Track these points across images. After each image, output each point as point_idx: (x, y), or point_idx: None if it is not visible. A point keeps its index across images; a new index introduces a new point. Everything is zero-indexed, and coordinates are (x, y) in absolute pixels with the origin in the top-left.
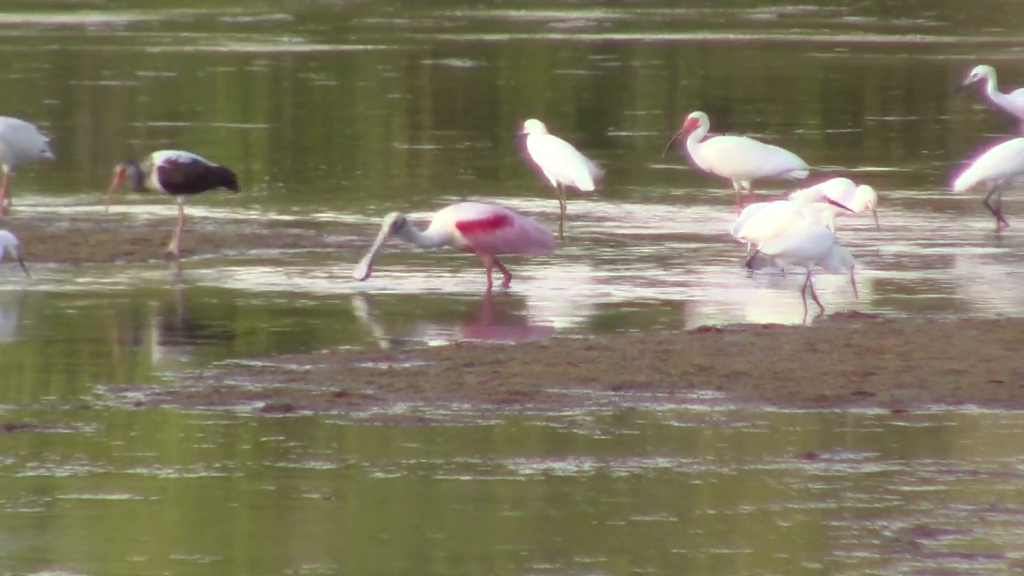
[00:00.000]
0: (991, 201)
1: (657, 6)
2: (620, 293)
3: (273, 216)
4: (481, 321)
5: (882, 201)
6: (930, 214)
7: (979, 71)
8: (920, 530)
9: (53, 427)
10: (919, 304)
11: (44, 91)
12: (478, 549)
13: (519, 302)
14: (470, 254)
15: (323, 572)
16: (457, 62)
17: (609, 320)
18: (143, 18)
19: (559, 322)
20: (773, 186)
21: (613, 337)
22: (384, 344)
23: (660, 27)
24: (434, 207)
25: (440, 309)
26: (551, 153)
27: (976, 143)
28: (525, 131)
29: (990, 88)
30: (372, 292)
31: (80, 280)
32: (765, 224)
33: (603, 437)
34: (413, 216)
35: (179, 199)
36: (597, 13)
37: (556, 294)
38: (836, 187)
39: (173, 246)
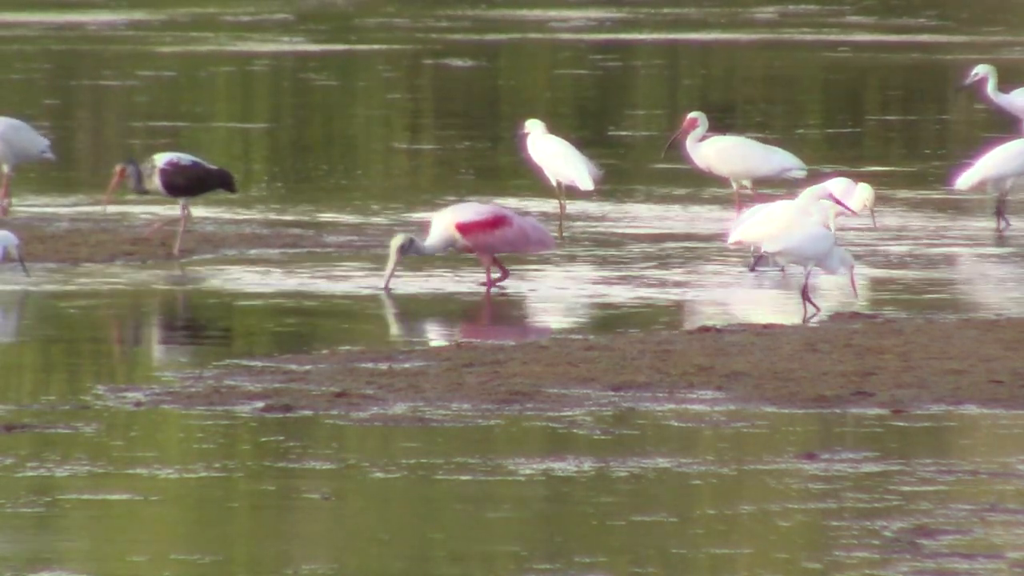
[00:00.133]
0: (998, 201)
1: (658, 6)
2: (620, 293)
3: (273, 216)
4: (481, 321)
5: (884, 201)
6: (931, 214)
7: (980, 70)
8: (920, 530)
9: (53, 427)
10: (919, 304)
11: (44, 91)
12: (478, 549)
13: (519, 302)
14: (469, 255)
15: (323, 572)
16: (458, 62)
17: (609, 320)
18: (144, 18)
19: (559, 322)
20: (772, 186)
21: (613, 337)
22: (384, 344)
23: (661, 27)
24: (434, 207)
25: (440, 309)
26: (551, 153)
27: (977, 143)
28: (526, 131)
29: (990, 88)
30: (372, 292)
31: (80, 280)
32: (767, 224)
33: (603, 437)
34: (414, 216)
35: (181, 200)
36: (598, 13)
37: (556, 294)
38: (836, 186)
39: (175, 247)
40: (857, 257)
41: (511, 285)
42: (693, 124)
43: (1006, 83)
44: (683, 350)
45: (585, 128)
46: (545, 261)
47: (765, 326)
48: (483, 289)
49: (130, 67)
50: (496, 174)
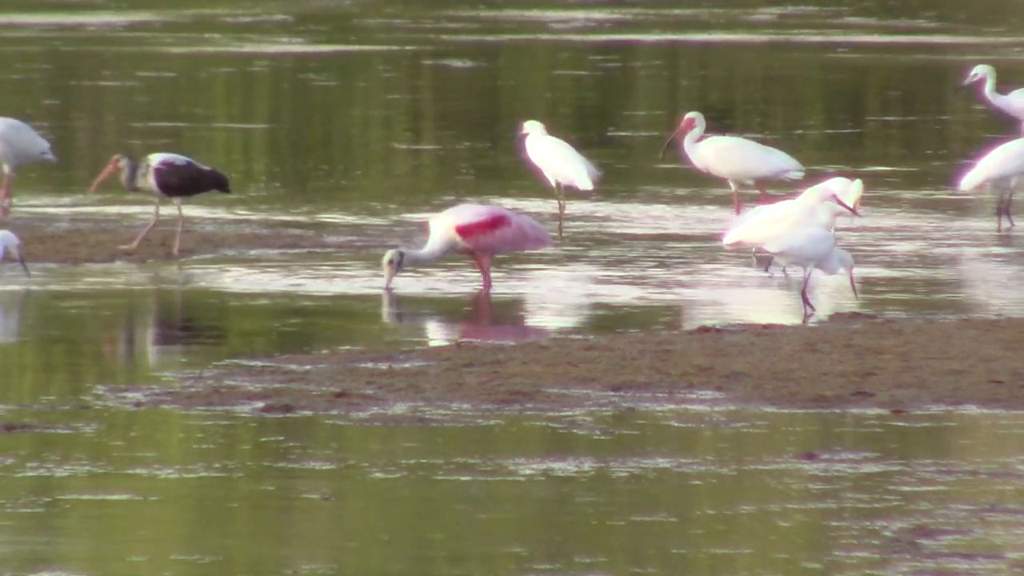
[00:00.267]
0: (1002, 201)
1: (658, 7)
2: (620, 293)
3: (273, 216)
4: (481, 321)
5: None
6: (931, 214)
7: (979, 71)
8: (920, 530)
9: (53, 427)
10: (919, 304)
11: (44, 91)
12: (478, 549)
13: (519, 302)
14: (468, 256)
15: (323, 572)
16: (458, 62)
17: (609, 320)
18: (143, 18)
19: (559, 322)
20: (770, 187)
21: (613, 337)
22: (384, 344)
23: (661, 28)
24: (434, 207)
25: (440, 309)
26: (550, 154)
27: (978, 143)
28: (525, 131)
29: (988, 88)
30: (372, 292)
31: (80, 280)
32: (769, 225)
33: (603, 437)
34: (415, 216)
35: (176, 200)
36: (598, 14)
37: (556, 294)
38: (834, 187)
39: (176, 248)
40: (857, 257)
41: (511, 285)
42: (691, 125)
43: (1005, 84)
44: (683, 350)
45: (585, 129)
46: (545, 261)
47: (765, 326)
48: (482, 289)
49: (130, 68)
50: (496, 174)
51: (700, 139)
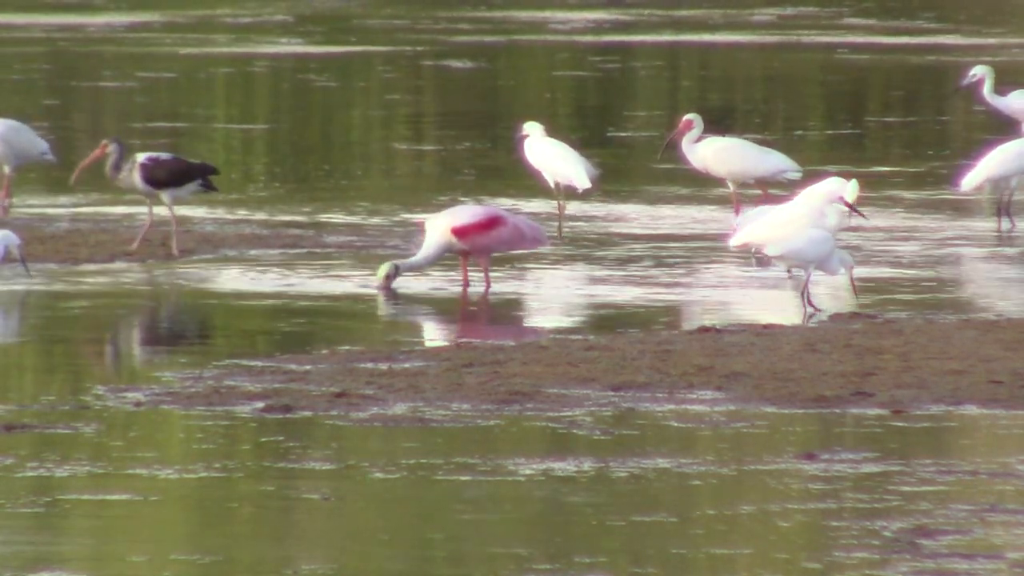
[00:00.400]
0: (1002, 202)
1: (658, 7)
2: (620, 293)
3: (273, 216)
4: (481, 321)
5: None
6: (932, 214)
7: (977, 71)
8: (920, 530)
9: (53, 427)
10: (919, 304)
11: (44, 91)
12: (478, 549)
13: (519, 302)
14: (466, 257)
15: (323, 572)
16: (457, 63)
17: (609, 320)
18: (143, 19)
19: (559, 322)
20: (769, 187)
21: (613, 337)
22: (384, 344)
23: (660, 28)
24: (434, 208)
25: (440, 309)
26: (548, 155)
27: (977, 144)
28: (524, 133)
29: (986, 89)
30: (371, 292)
31: (80, 280)
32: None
33: (603, 437)
34: (415, 216)
35: (165, 196)
36: (597, 14)
37: (556, 294)
38: (830, 187)
39: (174, 248)
40: (858, 258)
41: (511, 285)
42: (689, 126)
43: (1006, 85)
44: (683, 350)
45: (585, 129)
46: (545, 261)
47: (765, 326)
48: (483, 289)
49: (130, 68)
50: (496, 174)
51: (699, 139)
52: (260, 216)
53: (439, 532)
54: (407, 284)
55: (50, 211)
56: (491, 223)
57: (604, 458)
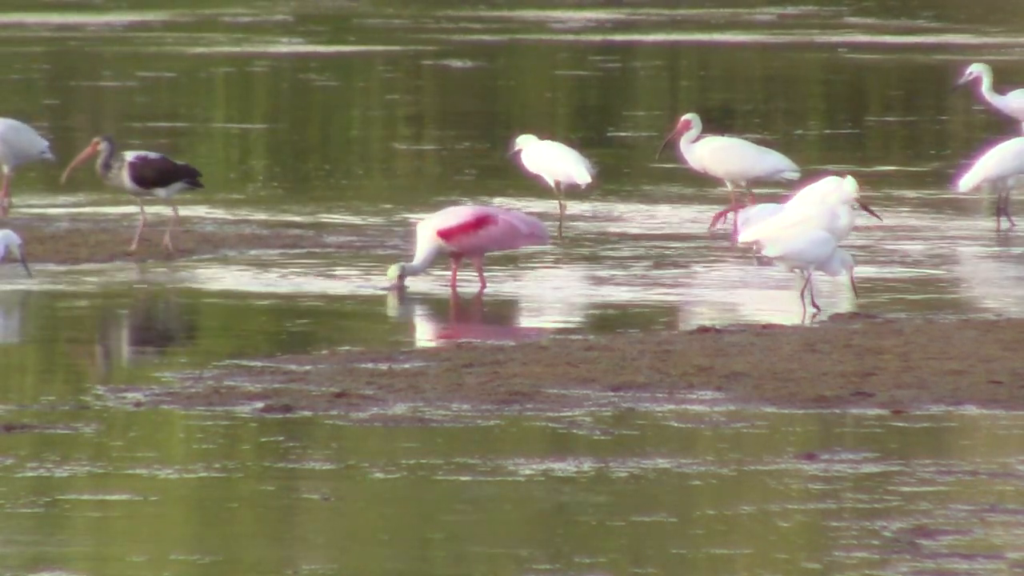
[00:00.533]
0: (1000, 201)
1: (658, 7)
2: (620, 293)
3: (273, 216)
4: (481, 321)
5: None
6: (931, 213)
7: (974, 69)
8: (920, 530)
9: (53, 427)
10: (919, 304)
11: (44, 91)
12: (478, 549)
13: (519, 302)
14: (458, 259)
15: (323, 572)
16: (457, 63)
17: (609, 320)
18: (143, 19)
19: (559, 322)
20: (768, 187)
21: (613, 337)
22: (384, 344)
23: (660, 28)
24: (434, 207)
25: (440, 309)
26: (545, 156)
27: (977, 143)
28: (518, 147)
29: (984, 87)
30: (371, 292)
31: (80, 280)
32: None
33: (603, 437)
34: (415, 217)
35: (159, 193)
36: (597, 14)
37: (556, 294)
38: (827, 186)
39: (167, 240)
40: (860, 258)
41: (511, 285)
42: (687, 126)
43: (1005, 84)
44: (683, 350)
45: (585, 129)
46: (545, 261)
47: (765, 326)
48: (477, 290)
49: (130, 68)
50: (496, 174)
51: (697, 139)
52: (260, 216)
53: (439, 532)
54: (407, 284)
55: (50, 211)
56: (479, 223)
57: (604, 458)
